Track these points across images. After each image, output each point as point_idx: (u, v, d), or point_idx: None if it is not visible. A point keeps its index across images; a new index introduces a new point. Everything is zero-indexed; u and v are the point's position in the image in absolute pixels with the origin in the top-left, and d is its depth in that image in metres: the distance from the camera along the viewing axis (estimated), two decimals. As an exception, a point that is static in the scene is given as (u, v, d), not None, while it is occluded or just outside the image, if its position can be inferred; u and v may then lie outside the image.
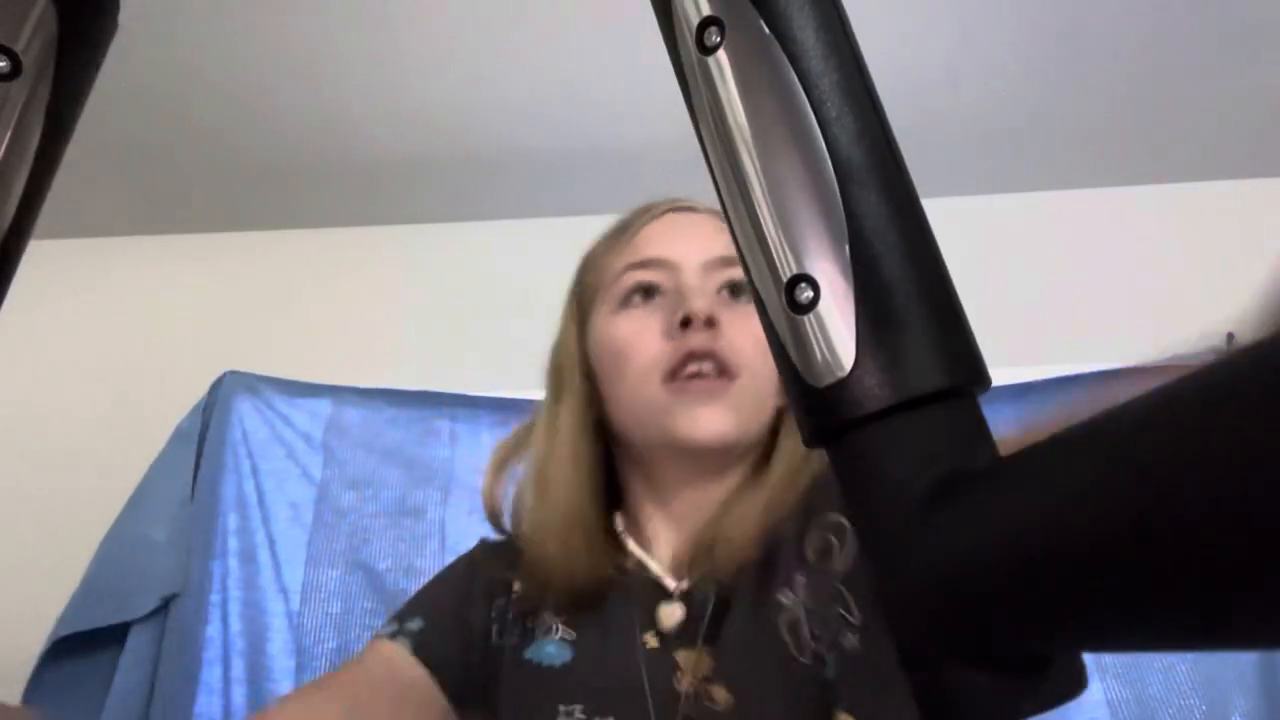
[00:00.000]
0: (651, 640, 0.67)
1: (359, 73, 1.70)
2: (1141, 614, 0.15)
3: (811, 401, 0.22)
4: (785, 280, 0.22)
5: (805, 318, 0.22)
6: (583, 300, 0.76)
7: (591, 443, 0.73)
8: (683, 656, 0.65)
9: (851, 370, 0.21)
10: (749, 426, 0.68)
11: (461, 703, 0.70)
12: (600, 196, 1.48)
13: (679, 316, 0.67)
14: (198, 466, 1.76)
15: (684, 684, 0.64)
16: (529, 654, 0.69)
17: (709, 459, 0.70)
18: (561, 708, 0.65)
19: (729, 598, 0.65)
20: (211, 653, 1.64)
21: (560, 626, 0.70)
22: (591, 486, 0.72)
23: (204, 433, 1.79)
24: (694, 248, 0.72)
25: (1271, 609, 0.13)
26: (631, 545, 0.72)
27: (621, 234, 0.76)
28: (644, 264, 0.72)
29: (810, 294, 0.22)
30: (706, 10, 0.24)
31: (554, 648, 0.69)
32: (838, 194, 0.22)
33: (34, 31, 0.25)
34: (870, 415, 0.21)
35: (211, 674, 1.63)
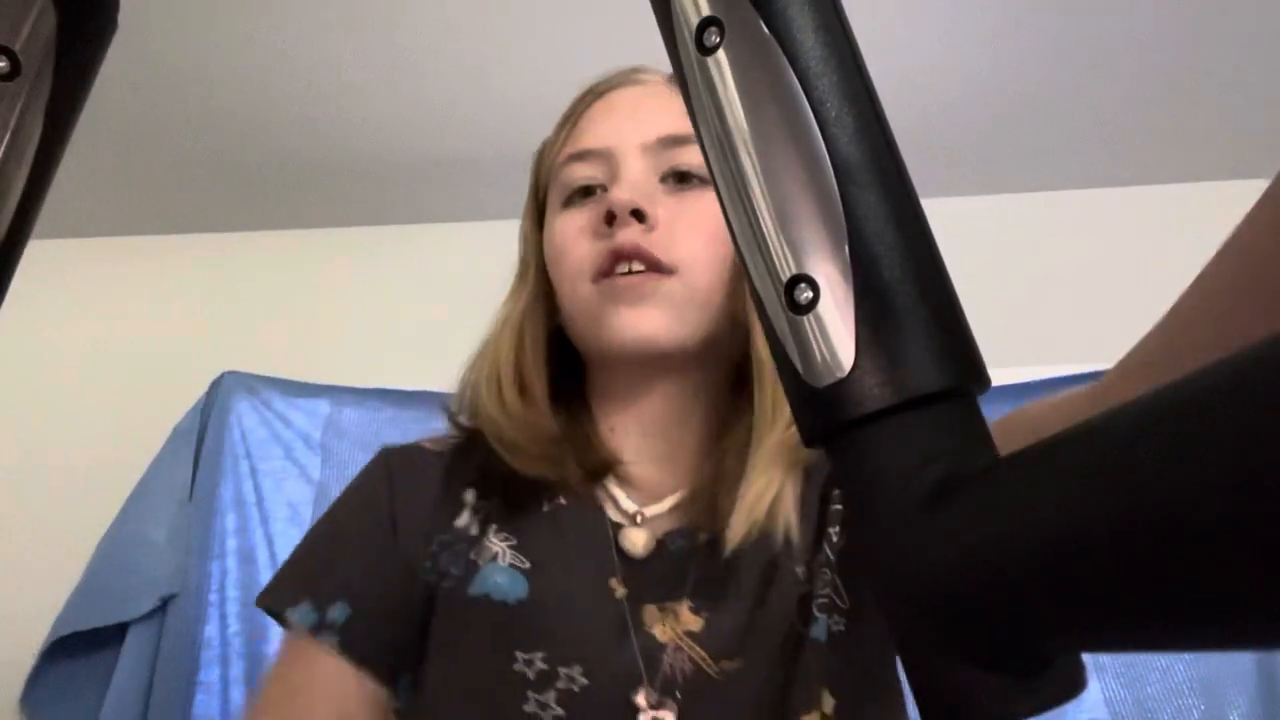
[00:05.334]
0: (618, 587, 0.61)
1: (359, 73, 1.70)
2: (1143, 614, 0.15)
3: (811, 401, 0.22)
4: (785, 280, 0.22)
5: (805, 318, 0.22)
6: (538, 197, 0.73)
7: (541, 331, 0.69)
8: (653, 609, 0.60)
9: (851, 370, 0.21)
10: (686, 329, 0.63)
11: (398, 679, 0.63)
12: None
13: (603, 212, 0.63)
14: (196, 467, 1.76)
15: (663, 636, 0.59)
16: (473, 588, 0.61)
17: (651, 365, 0.65)
18: (519, 654, 0.58)
19: (725, 554, 0.60)
20: (210, 653, 1.64)
21: (508, 552, 0.63)
22: (539, 367, 0.67)
23: (202, 433, 1.79)
24: (632, 130, 0.66)
25: (1276, 608, 0.13)
26: (601, 446, 0.67)
27: (566, 121, 0.71)
28: (580, 156, 0.67)
29: (810, 294, 0.22)
30: (706, 10, 0.24)
31: (504, 578, 0.62)
32: (837, 194, 0.22)
33: (33, 31, 0.25)
34: (870, 415, 0.21)
35: (210, 674, 1.63)
